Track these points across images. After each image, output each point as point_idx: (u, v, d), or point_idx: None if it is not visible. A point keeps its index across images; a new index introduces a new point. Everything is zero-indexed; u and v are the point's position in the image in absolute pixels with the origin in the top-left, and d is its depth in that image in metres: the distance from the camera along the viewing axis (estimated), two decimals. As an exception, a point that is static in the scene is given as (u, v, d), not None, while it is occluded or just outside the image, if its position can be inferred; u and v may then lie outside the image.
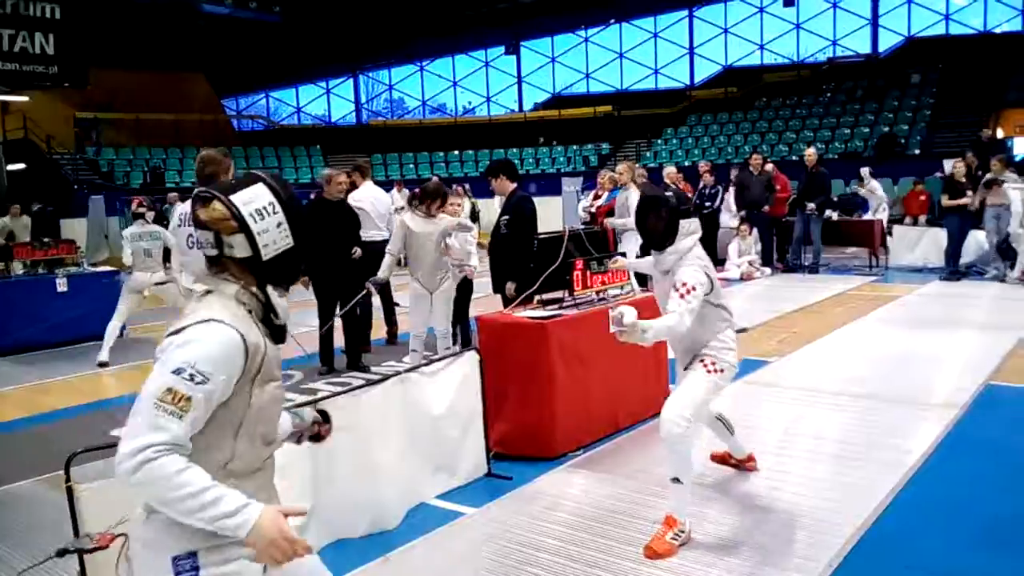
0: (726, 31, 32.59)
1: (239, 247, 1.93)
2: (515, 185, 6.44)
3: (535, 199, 6.45)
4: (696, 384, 3.76)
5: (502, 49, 34.70)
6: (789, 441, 5.04)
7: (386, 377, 4.17)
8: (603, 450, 5.01)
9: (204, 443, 1.85)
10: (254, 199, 1.95)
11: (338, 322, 7.00)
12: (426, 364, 4.54)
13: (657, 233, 3.79)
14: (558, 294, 5.18)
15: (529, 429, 4.83)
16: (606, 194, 12.52)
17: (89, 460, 2.97)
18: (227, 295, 1.94)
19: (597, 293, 5.30)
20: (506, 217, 6.31)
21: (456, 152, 29.18)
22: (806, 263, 13.04)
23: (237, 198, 1.93)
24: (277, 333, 2.02)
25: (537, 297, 5.23)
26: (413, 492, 4.23)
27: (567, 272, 5.04)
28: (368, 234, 7.55)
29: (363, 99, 37.87)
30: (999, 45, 25.59)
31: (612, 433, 5.23)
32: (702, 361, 3.81)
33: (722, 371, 3.81)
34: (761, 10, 31.74)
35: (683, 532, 3.69)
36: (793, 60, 31.37)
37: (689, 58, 33.14)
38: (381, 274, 6.30)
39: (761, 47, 32.14)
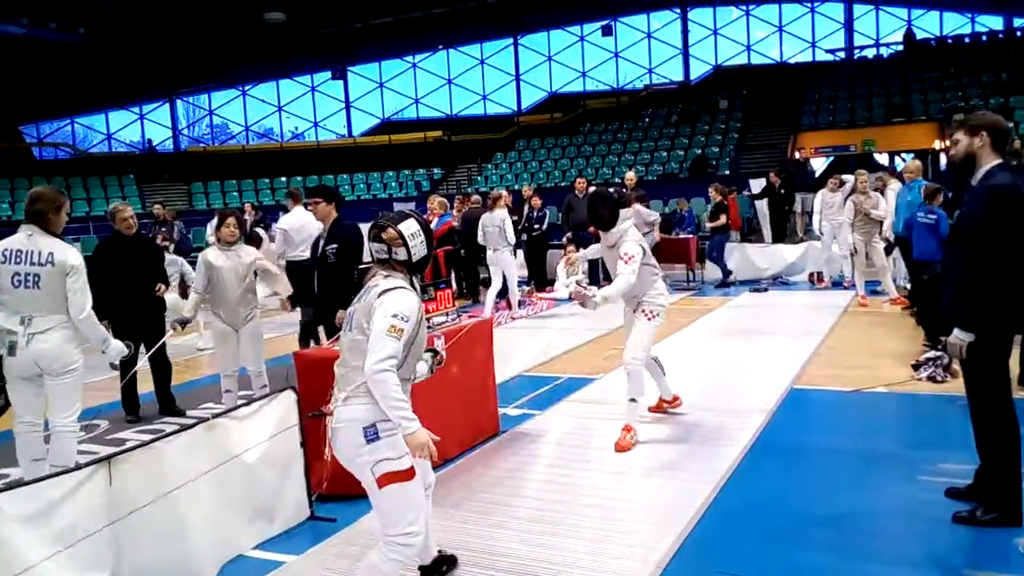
0: (550, 59, 33.77)
1: (401, 254, 3.19)
2: (335, 213, 6.25)
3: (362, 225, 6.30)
4: (642, 331, 5.41)
5: (329, 74, 34.19)
6: (617, 457, 5.16)
7: (191, 425, 3.90)
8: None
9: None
10: (410, 227, 3.21)
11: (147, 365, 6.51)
12: (240, 407, 4.28)
13: (605, 219, 5.27)
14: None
15: (354, 466, 4.65)
16: (436, 219, 12.53)
17: None
18: (399, 279, 3.17)
19: (421, 321, 5.23)
20: (333, 246, 6.08)
21: (283, 179, 28.27)
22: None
23: (402, 227, 3.19)
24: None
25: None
26: (228, 544, 3.96)
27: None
28: (291, 255, 8.15)
29: (181, 125, 36.02)
30: (793, 75, 28.05)
31: (441, 464, 5.14)
32: (643, 311, 5.43)
33: (657, 315, 5.46)
34: (582, 39, 33.17)
35: (637, 434, 5.32)
36: (613, 87, 32.93)
37: (516, 84, 34.02)
38: (185, 313, 6.15)
39: (583, 74, 33.54)
